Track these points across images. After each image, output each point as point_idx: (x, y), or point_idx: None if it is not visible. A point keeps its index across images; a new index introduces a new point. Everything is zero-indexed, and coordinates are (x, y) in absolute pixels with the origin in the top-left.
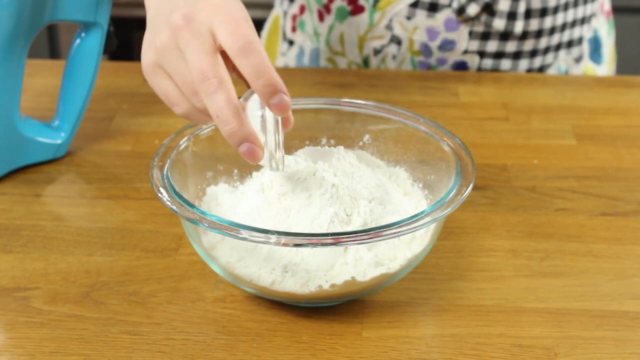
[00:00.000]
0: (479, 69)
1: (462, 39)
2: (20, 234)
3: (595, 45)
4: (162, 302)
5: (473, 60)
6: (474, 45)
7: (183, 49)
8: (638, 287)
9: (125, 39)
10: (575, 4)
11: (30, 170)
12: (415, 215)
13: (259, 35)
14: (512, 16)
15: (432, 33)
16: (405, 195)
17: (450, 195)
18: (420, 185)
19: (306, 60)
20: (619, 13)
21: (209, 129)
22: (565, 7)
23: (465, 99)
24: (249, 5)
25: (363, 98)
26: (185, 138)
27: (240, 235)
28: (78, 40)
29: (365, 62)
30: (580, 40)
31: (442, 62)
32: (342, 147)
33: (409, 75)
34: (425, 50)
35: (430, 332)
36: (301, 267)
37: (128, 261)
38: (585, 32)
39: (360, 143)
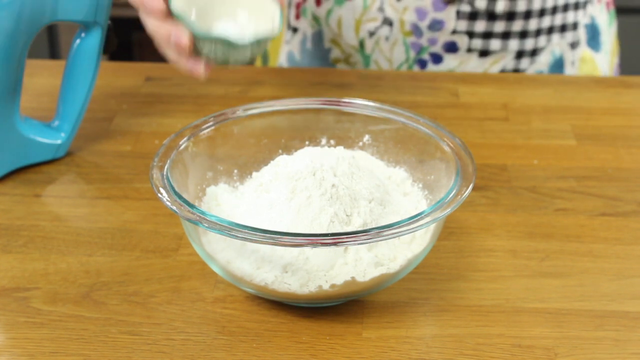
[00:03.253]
0: (469, 50)
1: (450, 18)
2: (20, 234)
3: (593, 32)
4: (162, 302)
5: (462, 41)
6: (462, 25)
7: None
8: (638, 287)
9: (125, 39)
10: None
11: (30, 170)
12: (415, 216)
13: None
14: None
15: (421, 13)
16: (405, 195)
17: (450, 195)
18: (420, 185)
19: (309, 44)
20: (622, 13)
21: (209, 129)
22: None
23: (465, 99)
24: None
25: (363, 98)
26: (185, 138)
27: (240, 235)
28: (78, 40)
29: (362, 44)
30: (575, 26)
31: (432, 42)
32: (342, 147)
33: (409, 75)
34: (416, 30)
35: (430, 332)
36: (301, 267)
37: (128, 261)
38: (581, 17)
39: (360, 143)
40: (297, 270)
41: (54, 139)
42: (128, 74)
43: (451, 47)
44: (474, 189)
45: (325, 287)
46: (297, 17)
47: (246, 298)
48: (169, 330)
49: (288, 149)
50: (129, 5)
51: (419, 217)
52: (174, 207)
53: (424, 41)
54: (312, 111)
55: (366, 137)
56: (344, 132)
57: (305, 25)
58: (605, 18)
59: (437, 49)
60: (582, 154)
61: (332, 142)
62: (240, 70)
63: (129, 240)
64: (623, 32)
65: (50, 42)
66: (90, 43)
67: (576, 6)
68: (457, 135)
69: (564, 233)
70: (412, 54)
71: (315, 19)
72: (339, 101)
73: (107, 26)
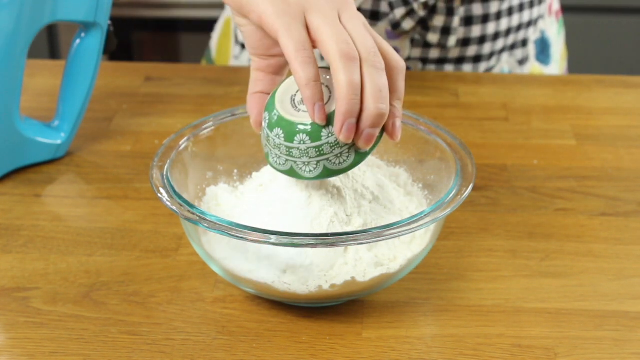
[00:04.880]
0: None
1: (404, 47)
2: (20, 234)
3: (543, 46)
4: (162, 302)
5: (416, 67)
6: (417, 52)
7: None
8: (638, 287)
9: (125, 39)
10: (521, 9)
11: (30, 170)
12: (415, 216)
13: (210, 36)
14: (446, 31)
15: None
16: (405, 195)
17: (450, 195)
18: (421, 185)
19: None
20: (568, 12)
21: (209, 129)
22: (509, 12)
23: (465, 99)
24: (200, 6)
25: None
26: (185, 138)
27: (240, 236)
28: (78, 40)
29: None
30: (524, 43)
31: None
32: None
33: (408, 75)
34: None
35: (430, 332)
36: (301, 267)
37: (128, 261)
38: (531, 34)
39: None
40: (297, 270)
41: (54, 139)
42: (128, 74)
43: None
44: (474, 189)
45: (325, 287)
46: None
47: (246, 298)
48: (169, 330)
49: None
50: (129, 5)
51: (419, 217)
52: (174, 207)
53: None
54: None
55: None
56: None
57: None
58: (555, 28)
59: None
60: (582, 154)
61: None
62: (240, 70)
63: (129, 240)
64: (617, 31)
65: (50, 42)
66: (90, 43)
67: (529, 24)
68: (457, 135)
69: (564, 233)
70: None
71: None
72: None
73: (107, 26)
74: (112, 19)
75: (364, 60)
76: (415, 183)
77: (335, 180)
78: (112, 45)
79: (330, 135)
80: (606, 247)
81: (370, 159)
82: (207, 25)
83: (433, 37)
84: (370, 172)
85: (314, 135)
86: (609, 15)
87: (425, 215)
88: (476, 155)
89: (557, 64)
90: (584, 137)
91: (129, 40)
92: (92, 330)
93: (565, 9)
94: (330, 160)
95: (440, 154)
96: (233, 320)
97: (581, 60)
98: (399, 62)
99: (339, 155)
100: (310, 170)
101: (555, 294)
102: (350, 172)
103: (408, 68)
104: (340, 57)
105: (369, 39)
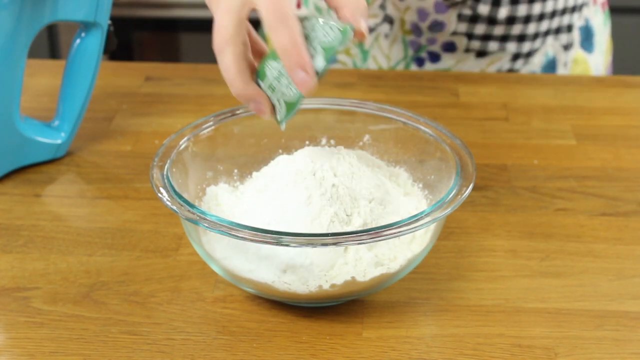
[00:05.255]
0: (467, 50)
1: (451, 21)
2: (20, 234)
3: (587, 33)
4: (162, 302)
5: (461, 42)
6: (462, 27)
7: (213, 7)
8: (638, 287)
9: (125, 39)
10: None
11: (30, 170)
12: (415, 216)
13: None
14: (496, 2)
15: (422, 14)
16: (405, 195)
17: (450, 195)
18: (421, 185)
19: None
20: (616, 12)
21: (209, 129)
22: None
23: (465, 99)
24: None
25: (363, 98)
26: (185, 138)
27: (240, 235)
28: (78, 40)
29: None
30: (569, 28)
31: (431, 42)
32: (342, 147)
33: (409, 75)
34: (416, 30)
35: (430, 332)
36: (301, 267)
37: (128, 261)
38: (576, 20)
39: (360, 143)
40: (297, 270)
41: (54, 139)
42: (128, 74)
43: (449, 47)
44: (474, 189)
45: (325, 286)
46: (299, 5)
47: (246, 298)
48: (169, 330)
49: (288, 149)
50: (129, 5)
51: (419, 217)
52: (174, 207)
53: (423, 40)
54: (312, 111)
55: (366, 137)
56: (344, 132)
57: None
58: (601, 19)
59: (436, 48)
60: (582, 154)
61: (332, 142)
62: None
63: (129, 240)
64: (618, 31)
65: (50, 42)
66: (90, 43)
67: (573, 9)
68: (457, 135)
69: (564, 233)
70: (411, 52)
71: (318, 9)
72: (339, 101)
73: (107, 26)
74: (112, 19)
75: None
76: (415, 183)
77: (335, 179)
78: (112, 45)
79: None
80: (606, 247)
81: (371, 159)
82: (207, 25)
83: (484, 9)
84: (370, 172)
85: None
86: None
87: (425, 215)
88: (476, 155)
89: (602, 55)
90: (584, 137)
91: (129, 40)
92: (92, 330)
93: (614, 10)
94: (285, 93)
95: (440, 154)
96: (233, 320)
97: (628, 61)
98: (271, 19)
99: (288, 85)
100: (279, 110)
101: (555, 294)
102: (350, 172)
103: (452, 43)
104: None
105: (216, 23)
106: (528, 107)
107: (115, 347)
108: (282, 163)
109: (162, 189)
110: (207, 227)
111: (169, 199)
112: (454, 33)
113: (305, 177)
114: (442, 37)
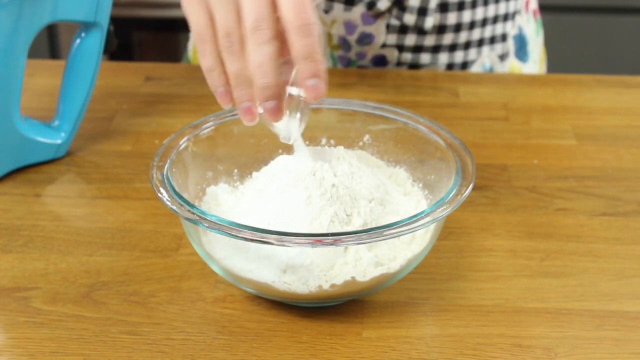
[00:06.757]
0: (399, 63)
1: (379, 32)
2: (20, 234)
3: (521, 43)
4: (162, 302)
5: (392, 55)
6: (392, 39)
7: None
8: (638, 287)
9: (125, 39)
10: (497, 0)
11: (30, 170)
12: (415, 215)
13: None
14: (422, 12)
15: (349, 27)
16: (405, 195)
17: (450, 195)
18: (420, 185)
19: None
20: (547, 12)
21: (209, 129)
22: (485, 2)
23: (465, 99)
24: (172, 6)
25: (363, 98)
26: (185, 138)
27: (240, 235)
28: (78, 40)
29: None
30: (504, 37)
31: (361, 56)
32: (342, 147)
33: (409, 75)
34: (344, 44)
35: (430, 332)
36: (301, 267)
37: (128, 261)
38: (510, 29)
39: (360, 143)
40: (297, 270)
41: (54, 139)
42: (128, 74)
43: (380, 61)
44: (474, 189)
45: (325, 287)
46: None
47: (246, 298)
48: (169, 330)
49: (288, 149)
50: (129, 5)
51: (419, 217)
52: (174, 207)
53: (352, 55)
54: (312, 111)
55: (366, 137)
56: (344, 132)
57: None
58: (533, 27)
59: (366, 62)
60: (582, 154)
61: (332, 141)
62: None
63: (129, 240)
64: (555, 31)
65: (50, 42)
66: (90, 43)
67: (505, 17)
68: (457, 135)
69: (564, 233)
70: (340, 68)
71: None
72: (339, 101)
73: (107, 26)
74: (112, 19)
75: (245, 37)
76: (415, 183)
77: (335, 179)
78: (112, 45)
79: None
80: (606, 247)
81: (371, 158)
82: None
83: (410, 18)
84: (370, 172)
85: None
86: (608, 15)
87: (425, 215)
88: (476, 155)
89: (537, 64)
90: (584, 137)
91: (129, 40)
92: (92, 330)
93: (562, 8)
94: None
95: (440, 154)
96: (233, 320)
97: (579, 61)
98: (296, 21)
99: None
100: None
101: (555, 293)
102: (350, 172)
103: (383, 57)
104: (200, 42)
105: (253, 11)
106: (528, 107)
107: (115, 347)
108: (282, 163)
109: (162, 189)
110: (207, 227)
111: (169, 199)
112: (384, 45)
113: (305, 177)
114: (372, 51)
